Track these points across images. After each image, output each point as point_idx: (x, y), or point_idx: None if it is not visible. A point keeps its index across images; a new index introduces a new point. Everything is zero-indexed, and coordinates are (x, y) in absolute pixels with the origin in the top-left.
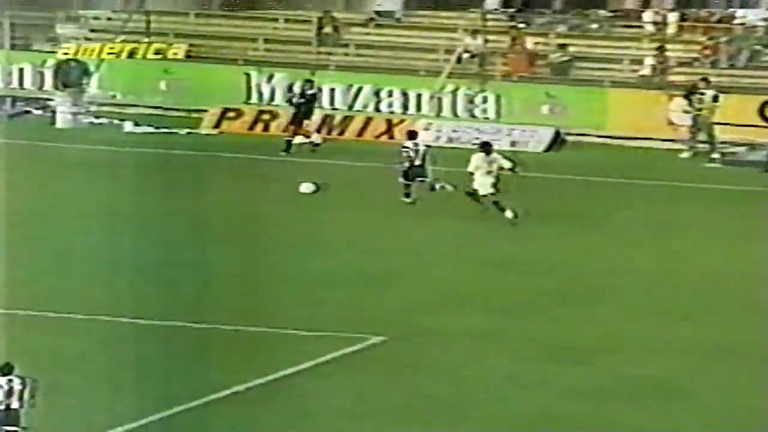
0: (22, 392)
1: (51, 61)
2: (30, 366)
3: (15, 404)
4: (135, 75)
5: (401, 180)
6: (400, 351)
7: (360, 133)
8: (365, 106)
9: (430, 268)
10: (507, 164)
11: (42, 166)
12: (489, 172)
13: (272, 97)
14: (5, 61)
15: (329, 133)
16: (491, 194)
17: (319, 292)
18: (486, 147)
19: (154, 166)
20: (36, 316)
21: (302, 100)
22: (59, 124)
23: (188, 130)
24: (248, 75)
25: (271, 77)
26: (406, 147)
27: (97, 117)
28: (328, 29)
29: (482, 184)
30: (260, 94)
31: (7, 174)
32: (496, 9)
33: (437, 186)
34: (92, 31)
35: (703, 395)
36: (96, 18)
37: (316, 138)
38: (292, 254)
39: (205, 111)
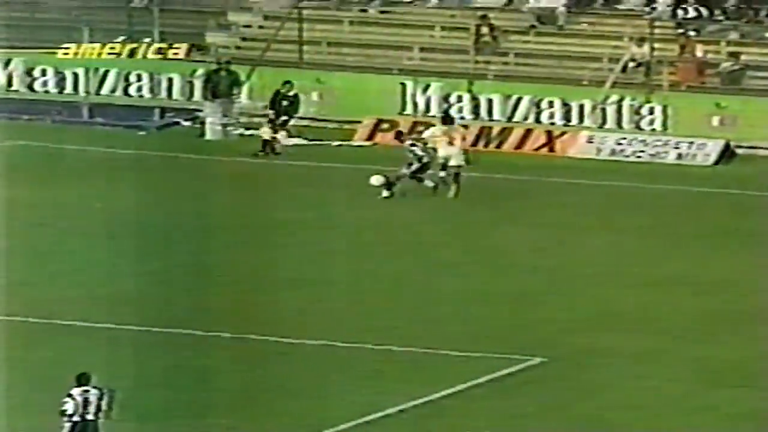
0: (99, 404)
1: (201, 71)
2: (180, 383)
3: (90, 416)
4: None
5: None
6: (559, 373)
7: (519, 146)
8: (525, 118)
9: (591, 287)
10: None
11: (189, 178)
12: (451, 143)
13: (427, 108)
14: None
15: (486, 145)
16: (458, 166)
17: (475, 311)
18: (446, 118)
19: (306, 179)
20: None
21: (285, 103)
22: (208, 136)
23: (340, 142)
24: (403, 85)
25: (426, 87)
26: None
27: (247, 128)
28: (486, 38)
29: (450, 155)
30: (415, 105)
31: (154, 187)
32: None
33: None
34: (243, 39)
35: None
36: (247, 26)
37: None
38: (449, 272)
39: (359, 122)
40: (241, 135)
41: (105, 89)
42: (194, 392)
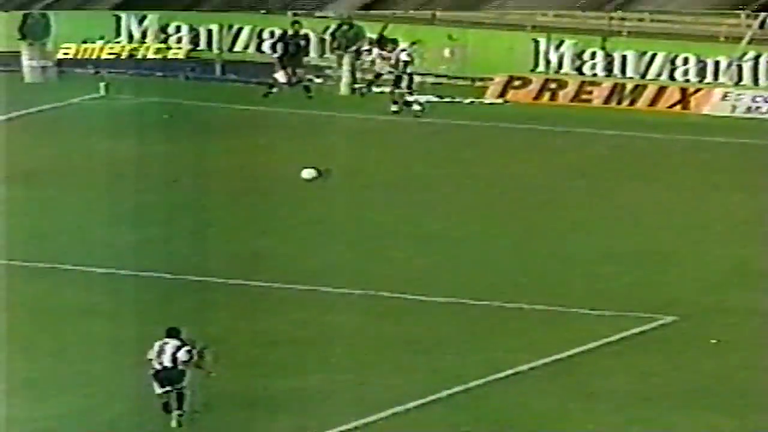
0: (189, 355)
1: (332, 26)
2: (311, 340)
3: (170, 364)
4: (421, 43)
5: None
6: (690, 331)
7: (652, 103)
8: (659, 75)
9: (723, 245)
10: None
11: (324, 134)
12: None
13: (560, 65)
14: None
15: (619, 103)
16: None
17: (605, 270)
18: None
19: (436, 136)
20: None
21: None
22: (342, 91)
23: (472, 100)
24: (536, 42)
25: (560, 44)
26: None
27: (378, 86)
28: None
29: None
30: (548, 62)
31: (284, 142)
32: None
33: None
34: None
35: None
36: None
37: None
38: (578, 230)
39: (490, 79)
40: (369, 91)
41: (237, 46)
42: (325, 348)
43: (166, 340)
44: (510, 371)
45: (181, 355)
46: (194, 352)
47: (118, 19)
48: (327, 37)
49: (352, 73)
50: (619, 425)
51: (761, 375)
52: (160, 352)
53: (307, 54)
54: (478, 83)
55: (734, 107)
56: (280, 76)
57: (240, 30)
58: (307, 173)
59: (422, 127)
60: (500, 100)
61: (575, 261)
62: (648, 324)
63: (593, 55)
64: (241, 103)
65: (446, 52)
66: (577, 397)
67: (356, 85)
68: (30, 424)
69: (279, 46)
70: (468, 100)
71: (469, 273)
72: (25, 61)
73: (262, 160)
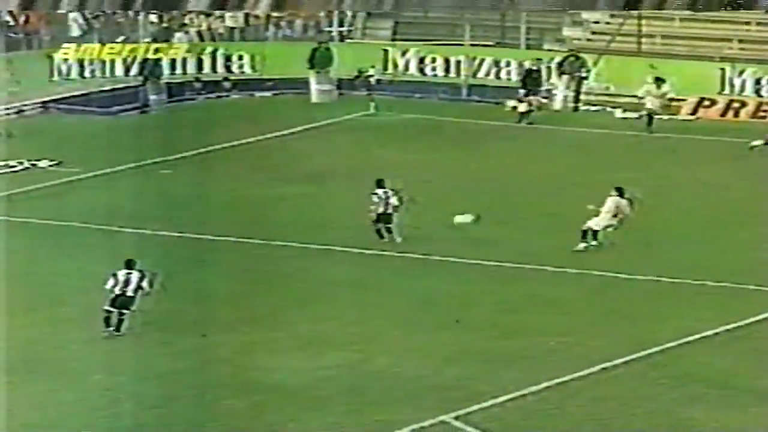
0: (139, 283)
1: (558, 58)
2: (534, 310)
3: (130, 292)
4: (626, 70)
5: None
6: None
7: None
8: None
9: None
10: None
11: (542, 144)
12: None
13: (742, 89)
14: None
15: None
16: None
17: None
18: None
19: (634, 146)
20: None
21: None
22: (556, 107)
23: (668, 116)
24: (723, 70)
25: (742, 72)
26: (375, 194)
27: (593, 105)
28: None
29: None
30: (732, 86)
31: (515, 150)
32: None
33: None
34: (593, 33)
35: None
36: (596, 21)
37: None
38: (749, 222)
39: (684, 100)
40: (587, 110)
41: (480, 73)
42: (546, 317)
43: (129, 271)
44: (696, 336)
45: (144, 284)
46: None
47: (386, 51)
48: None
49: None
50: None
51: None
52: (126, 281)
53: (541, 84)
54: (675, 103)
55: None
56: (522, 107)
57: (483, 60)
58: (461, 218)
59: (622, 138)
60: (692, 117)
61: (748, 246)
62: None
63: None
64: (481, 119)
65: (648, 78)
66: (751, 357)
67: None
68: (311, 372)
69: (526, 80)
70: (666, 117)
71: (664, 255)
72: (313, 85)
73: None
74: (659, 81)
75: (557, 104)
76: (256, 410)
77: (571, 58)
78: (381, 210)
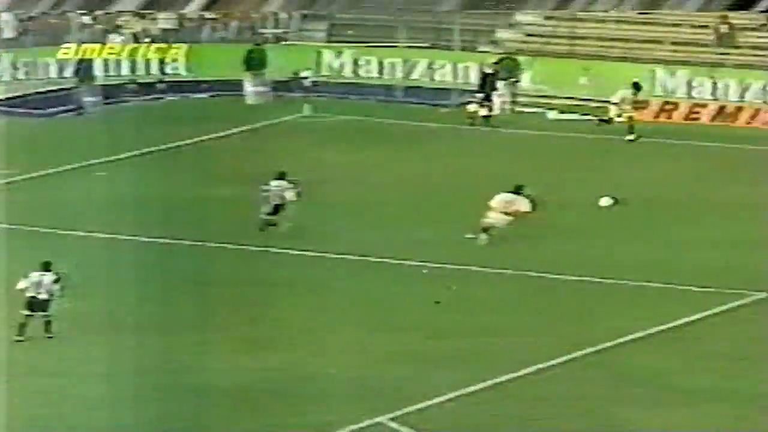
0: (51, 286)
1: (491, 60)
2: (467, 310)
3: (44, 295)
4: (560, 72)
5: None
6: None
7: (750, 122)
8: (756, 99)
9: None
10: None
11: (475, 145)
12: None
13: (674, 91)
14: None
15: (722, 121)
16: None
17: (707, 255)
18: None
19: (568, 147)
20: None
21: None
22: (495, 112)
23: (601, 117)
24: (654, 72)
25: (673, 73)
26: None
27: (525, 105)
28: (725, 33)
29: None
30: (664, 88)
31: (450, 153)
32: None
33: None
34: (528, 35)
35: None
36: (530, 24)
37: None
38: (684, 223)
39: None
40: (521, 112)
41: (415, 75)
42: (482, 317)
43: (43, 273)
44: (631, 336)
45: (56, 288)
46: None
47: (320, 53)
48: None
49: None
50: (727, 380)
51: None
52: (39, 284)
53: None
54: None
55: None
56: (483, 111)
57: (417, 62)
58: (605, 201)
59: (557, 140)
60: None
61: (684, 247)
62: (744, 299)
63: (701, 83)
64: (417, 121)
65: (583, 80)
66: (685, 357)
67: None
68: (249, 374)
69: (484, 84)
70: (596, 119)
71: (599, 256)
72: (248, 87)
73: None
74: (636, 87)
75: (494, 107)
76: (194, 412)
77: (506, 61)
78: (277, 201)
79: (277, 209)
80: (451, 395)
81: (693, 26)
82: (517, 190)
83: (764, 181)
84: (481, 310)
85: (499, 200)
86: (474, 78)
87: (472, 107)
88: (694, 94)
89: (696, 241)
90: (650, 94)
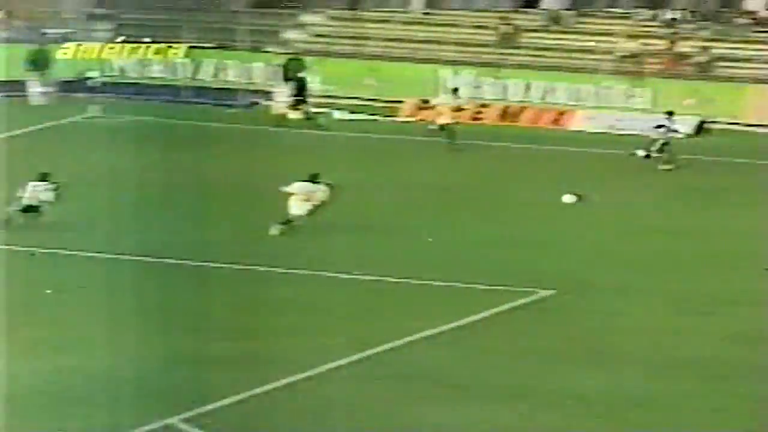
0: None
1: (279, 61)
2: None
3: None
4: (346, 72)
5: None
6: (565, 302)
7: (534, 121)
8: (539, 99)
9: (588, 231)
10: None
11: (263, 146)
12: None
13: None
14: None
15: (506, 120)
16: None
17: (494, 253)
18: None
19: (355, 147)
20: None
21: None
22: (280, 110)
23: (388, 118)
24: (437, 72)
25: (457, 74)
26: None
27: (314, 106)
28: (508, 34)
29: None
30: (449, 89)
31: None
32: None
33: None
34: (315, 36)
35: None
36: (317, 24)
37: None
38: (471, 220)
39: (402, 102)
40: (308, 111)
41: (201, 75)
42: (272, 318)
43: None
44: (421, 334)
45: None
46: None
47: (106, 53)
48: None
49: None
50: (513, 376)
51: (620, 337)
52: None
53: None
54: (394, 105)
55: (600, 125)
56: (295, 114)
57: (203, 62)
58: (568, 198)
59: (345, 140)
60: (412, 119)
61: (471, 246)
62: (531, 296)
63: (485, 83)
64: (204, 121)
65: (369, 81)
66: (476, 355)
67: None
68: (33, 377)
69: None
70: (384, 118)
71: (386, 254)
72: (32, 88)
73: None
74: (456, 91)
75: (281, 107)
76: None
77: (293, 62)
78: (33, 202)
79: (31, 209)
80: (243, 396)
81: (476, 27)
82: (313, 179)
83: (548, 181)
84: (275, 311)
85: (297, 187)
86: (261, 78)
87: (281, 108)
88: (478, 94)
89: (483, 241)
90: (434, 95)
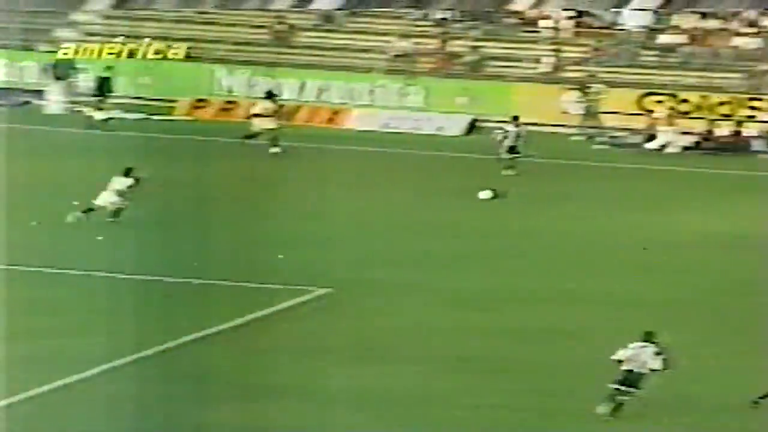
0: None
1: (50, 60)
2: None
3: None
4: (120, 72)
5: None
6: (343, 299)
7: (308, 120)
8: (316, 98)
9: (367, 231)
10: None
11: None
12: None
13: (233, 89)
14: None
15: (281, 119)
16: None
17: (275, 252)
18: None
19: (128, 147)
20: None
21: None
22: (49, 111)
23: (164, 117)
24: (213, 71)
25: (232, 73)
26: None
27: (85, 105)
28: (282, 33)
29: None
30: (224, 87)
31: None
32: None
33: None
34: (88, 35)
35: (587, 337)
36: (89, 23)
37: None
38: (252, 220)
39: (176, 101)
40: (78, 111)
41: None
42: (47, 318)
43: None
44: (197, 335)
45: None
46: None
47: None
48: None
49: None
50: (294, 375)
51: (405, 334)
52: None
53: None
54: (169, 104)
55: (375, 124)
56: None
57: None
58: (484, 194)
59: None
60: (188, 117)
61: (248, 245)
62: (308, 295)
63: (260, 82)
64: None
65: (146, 80)
66: (253, 354)
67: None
68: None
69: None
70: (159, 117)
71: (167, 254)
72: None
73: None
74: (271, 96)
75: (54, 108)
76: None
77: (64, 62)
78: None
79: None
80: (21, 397)
81: (252, 26)
82: (127, 173)
83: (322, 180)
84: (50, 312)
85: (116, 181)
86: (30, 78)
87: (87, 110)
88: (253, 93)
89: (261, 240)
90: (209, 93)
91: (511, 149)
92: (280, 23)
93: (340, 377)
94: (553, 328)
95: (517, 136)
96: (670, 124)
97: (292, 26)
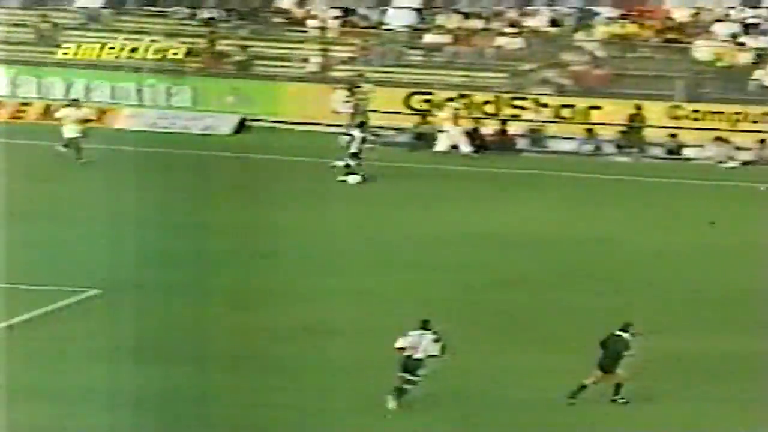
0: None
1: None
2: None
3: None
4: None
5: None
6: (110, 300)
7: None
8: (83, 97)
9: (136, 232)
10: None
11: None
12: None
13: None
14: None
15: (52, 119)
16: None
17: (40, 254)
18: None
19: None
20: None
21: None
22: None
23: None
24: None
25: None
26: None
27: None
28: (47, 31)
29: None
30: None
31: None
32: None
33: None
34: None
35: (348, 331)
36: None
37: None
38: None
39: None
40: None
41: None
42: None
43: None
44: None
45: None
46: None
47: None
48: None
49: None
50: (52, 377)
51: (177, 333)
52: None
53: None
54: None
55: (140, 122)
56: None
57: None
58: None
59: None
60: None
61: (14, 245)
62: (75, 297)
63: (26, 81)
64: None
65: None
66: (18, 357)
67: None
68: None
69: None
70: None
71: None
72: None
73: None
74: (76, 102)
75: None
76: None
77: None
78: None
79: None
80: None
81: (15, 25)
82: None
83: (99, 180)
84: None
85: None
86: None
87: None
88: (19, 92)
89: (28, 241)
90: None
91: (354, 155)
92: (44, 22)
93: (108, 378)
94: (318, 326)
95: (363, 140)
96: (456, 124)
97: (56, 25)
